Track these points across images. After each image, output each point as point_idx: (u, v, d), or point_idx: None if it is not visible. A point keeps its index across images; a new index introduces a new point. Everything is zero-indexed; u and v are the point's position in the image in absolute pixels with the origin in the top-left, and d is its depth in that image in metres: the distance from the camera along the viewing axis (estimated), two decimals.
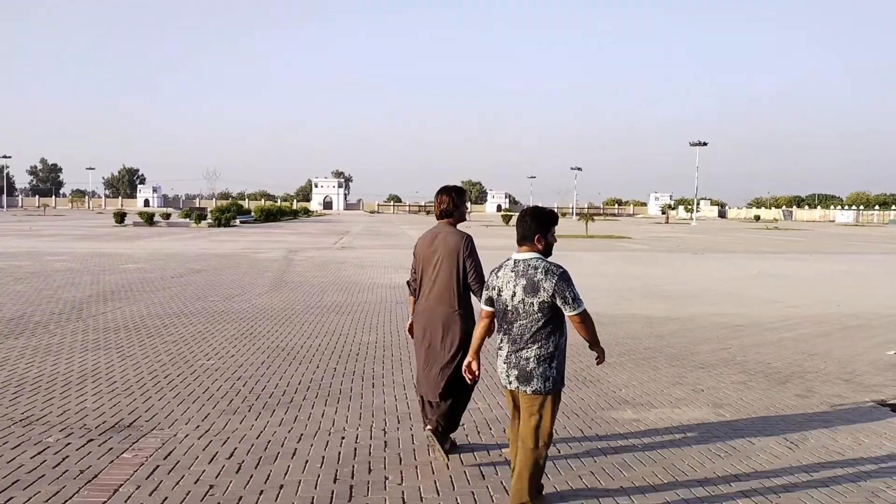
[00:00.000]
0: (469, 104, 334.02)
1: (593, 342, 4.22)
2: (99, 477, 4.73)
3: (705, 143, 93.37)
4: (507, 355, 4.15)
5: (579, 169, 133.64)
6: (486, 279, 4.41)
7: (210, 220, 56.90)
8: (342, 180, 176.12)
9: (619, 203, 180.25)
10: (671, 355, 9.45)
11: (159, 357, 8.46)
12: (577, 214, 56.91)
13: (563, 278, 4.04)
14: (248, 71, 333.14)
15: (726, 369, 8.67)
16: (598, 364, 4.36)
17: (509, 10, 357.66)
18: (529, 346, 4.07)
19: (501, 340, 4.21)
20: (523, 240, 4.19)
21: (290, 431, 5.78)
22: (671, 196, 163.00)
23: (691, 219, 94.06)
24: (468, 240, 5.19)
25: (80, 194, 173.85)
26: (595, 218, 63.76)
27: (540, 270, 4.05)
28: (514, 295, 4.08)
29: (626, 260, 26.92)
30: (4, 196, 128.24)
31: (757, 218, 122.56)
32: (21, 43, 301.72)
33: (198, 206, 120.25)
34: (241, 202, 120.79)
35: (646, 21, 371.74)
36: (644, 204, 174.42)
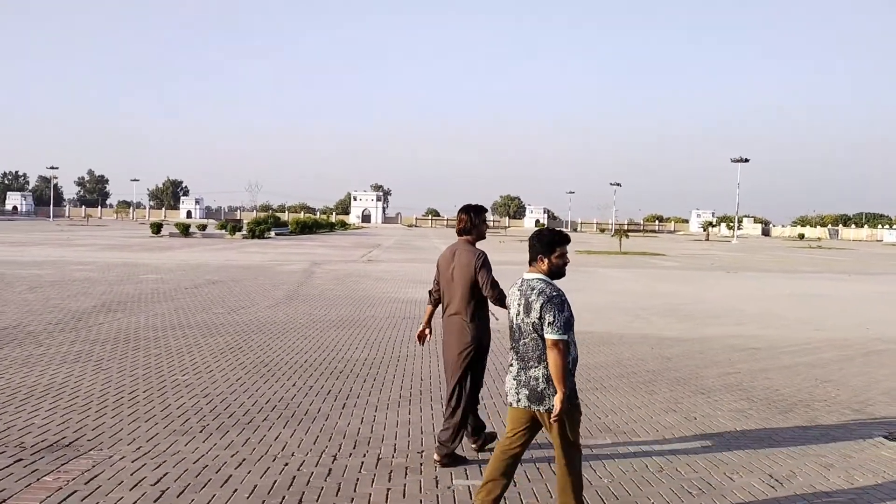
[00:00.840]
0: (509, 119, 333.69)
1: (558, 380, 3.98)
2: (7, 503, 4.45)
3: (747, 160, 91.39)
4: (516, 373, 4.17)
5: (618, 185, 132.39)
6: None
7: (244, 232, 57.33)
8: (380, 194, 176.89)
9: (660, 220, 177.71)
10: (673, 379, 8.95)
11: (135, 371, 8.24)
12: (613, 230, 55.80)
13: (552, 301, 4.03)
14: (291, 85, 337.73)
15: (728, 396, 8.14)
16: (552, 419, 4.04)
17: (550, 28, 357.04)
18: (537, 365, 4.07)
19: (511, 358, 4.26)
20: (531, 261, 4.25)
21: (233, 456, 5.45)
22: (714, 213, 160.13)
23: (732, 236, 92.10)
24: (480, 255, 5.46)
25: (125, 205, 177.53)
26: (629, 234, 62.71)
27: (535, 291, 4.10)
28: (517, 314, 4.17)
29: (655, 277, 26.25)
30: (52, 206, 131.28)
31: (801, 236, 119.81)
32: (68, 60, 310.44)
33: (238, 217, 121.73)
34: (280, 214, 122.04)
35: (685, 35, 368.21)
36: (686, 221, 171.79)
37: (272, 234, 63.55)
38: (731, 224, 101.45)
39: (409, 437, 6.12)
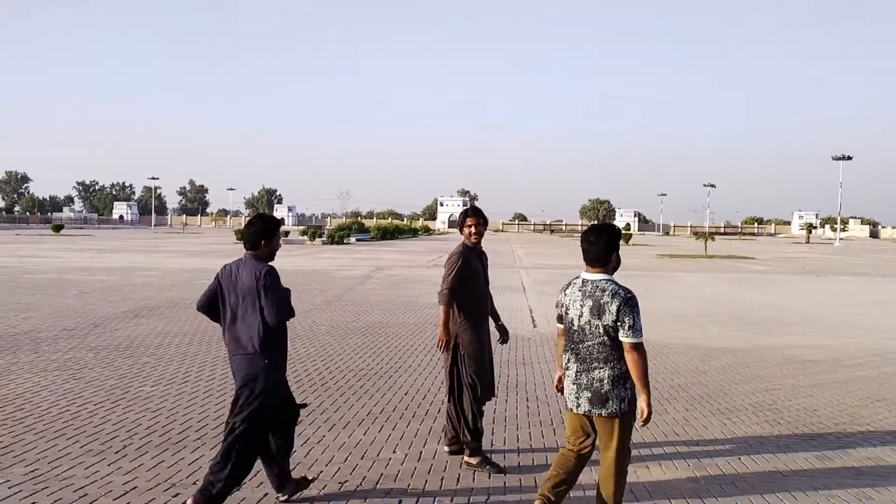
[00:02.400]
0: (598, 121, 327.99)
1: (642, 384, 3.89)
2: None
3: (849, 157, 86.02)
4: (576, 375, 4.01)
5: (712, 186, 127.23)
6: (558, 298, 4.24)
7: (324, 238, 57.95)
8: (466, 199, 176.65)
9: (759, 222, 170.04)
10: (699, 396, 7.91)
11: (106, 382, 7.85)
12: (698, 233, 53.45)
13: (629, 304, 3.89)
14: (382, 94, 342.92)
15: (748, 418, 7.05)
16: (642, 425, 3.97)
17: (644, 24, 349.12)
18: (601, 366, 3.93)
19: (569, 360, 4.07)
20: (594, 261, 4.02)
21: (125, 483, 4.87)
22: (817, 214, 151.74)
23: (835, 239, 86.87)
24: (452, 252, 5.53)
25: (223, 213, 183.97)
26: (726, 237, 59.92)
27: (608, 293, 3.93)
28: (580, 315, 3.99)
29: (735, 282, 24.60)
30: (153, 215, 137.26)
31: None
32: (174, 77, 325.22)
33: (320, 224, 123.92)
34: (367, 220, 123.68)
35: (781, 28, 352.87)
36: (787, 223, 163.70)
37: (352, 239, 64.12)
38: (835, 226, 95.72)
39: (346, 463, 5.40)
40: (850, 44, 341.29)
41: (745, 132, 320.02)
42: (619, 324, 3.86)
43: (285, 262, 32.16)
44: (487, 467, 5.25)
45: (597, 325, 3.91)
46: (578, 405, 3.99)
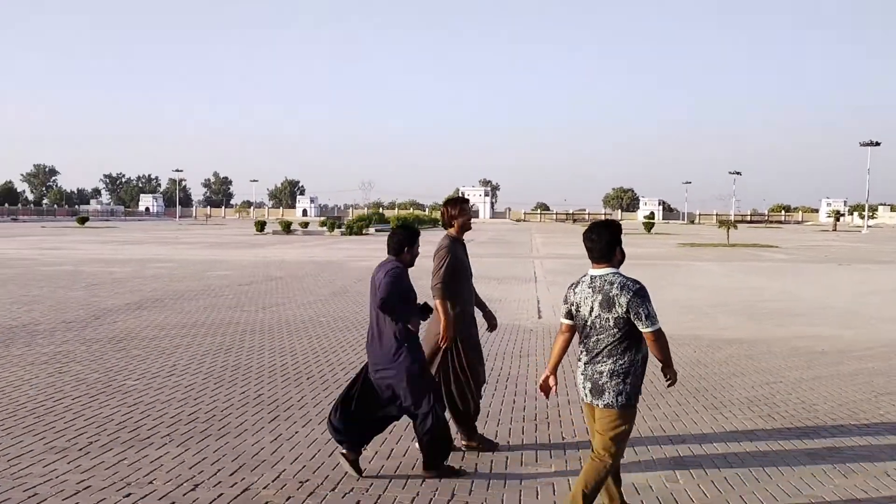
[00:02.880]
0: (619, 109, 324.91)
1: (666, 363, 4.10)
2: None
3: (878, 143, 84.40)
4: (584, 367, 4.14)
5: (738, 173, 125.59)
6: (566, 295, 4.28)
7: (343, 229, 58.03)
8: (488, 189, 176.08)
9: (787, 210, 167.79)
10: (692, 390, 7.67)
11: (90, 375, 7.78)
12: (718, 222, 52.68)
13: (639, 294, 3.97)
14: (403, 85, 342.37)
15: (746, 412, 6.81)
16: (668, 386, 4.23)
17: (672, 11, 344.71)
18: (604, 360, 4.04)
19: (581, 353, 4.20)
20: (599, 257, 4.09)
21: (80, 482, 4.75)
22: (845, 202, 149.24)
23: (863, 226, 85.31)
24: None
25: (246, 205, 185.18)
26: (738, 225, 59.12)
27: (616, 286, 4.00)
28: (591, 310, 4.05)
29: (752, 271, 24.16)
30: (177, 206, 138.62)
31: None
32: (200, 68, 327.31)
33: (339, 215, 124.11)
34: (389, 211, 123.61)
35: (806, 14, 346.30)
36: (815, 211, 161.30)
37: (371, 230, 64.14)
38: (863, 213, 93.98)
39: (312, 461, 5.26)
40: (878, 27, 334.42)
41: (772, 119, 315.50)
42: (633, 316, 3.95)
43: (300, 252, 32.25)
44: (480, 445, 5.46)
45: (607, 318, 4.00)
46: (586, 395, 4.13)
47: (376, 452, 5.44)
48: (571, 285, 4.27)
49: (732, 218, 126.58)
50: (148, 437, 5.67)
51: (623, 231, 4.25)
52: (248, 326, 11.22)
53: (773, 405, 7.08)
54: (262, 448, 5.46)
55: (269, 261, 26.51)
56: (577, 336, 4.26)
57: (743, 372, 8.60)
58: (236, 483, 4.77)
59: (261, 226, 58.83)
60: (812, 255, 34.71)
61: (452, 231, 5.51)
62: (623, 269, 4.17)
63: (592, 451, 4.16)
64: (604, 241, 4.07)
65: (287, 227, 58.85)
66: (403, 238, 4.85)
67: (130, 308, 13.05)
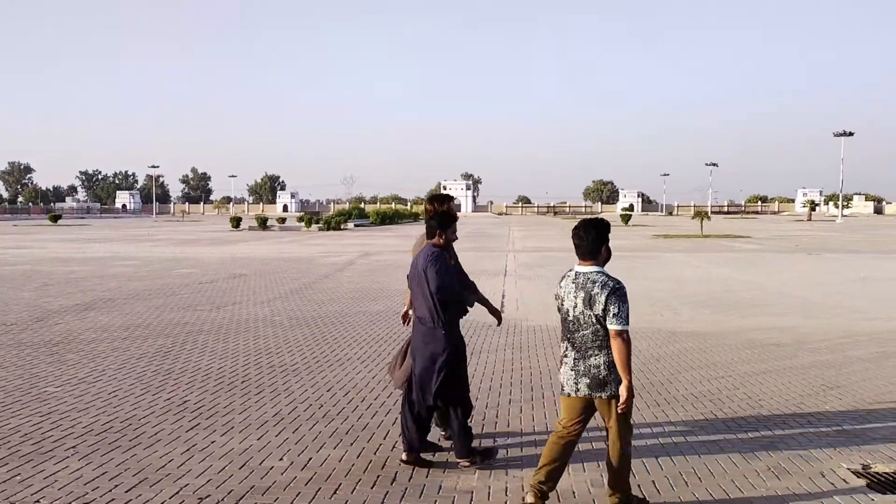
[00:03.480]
0: (598, 101, 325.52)
1: (624, 369, 4.08)
2: None
3: (851, 133, 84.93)
4: (574, 363, 4.22)
5: (715, 165, 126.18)
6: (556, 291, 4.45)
7: (321, 224, 57.50)
8: (469, 182, 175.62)
9: (763, 200, 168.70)
10: (640, 386, 7.39)
11: (13, 382, 7.42)
12: (693, 214, 52.80)
13: (615, 293, 4.09)
14: (386, 78, 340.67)
15: (689, 408, 6.66)
16: (619, 409, 4.15)
17: (644, 16, 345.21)
18: (597, 353, 4.14)
19: (566, 349, 4.28)
20: (585, 254, 4.22)
21: None
22: (821, 192, 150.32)
23: (838, 216, 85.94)
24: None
25: (225, 201, 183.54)
26: (711, 216, 59.27)
27: (598, 284, 4.13)
28: (575, 306, 4.19)
29: (721, 262, 24.11)
30: (154, 203, 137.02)
31: None
32: (169, 63, 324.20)
33: (318, 211, 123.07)
34: (371, 205, 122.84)
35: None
36: (791, 201, 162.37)
37: (350, 225, 63.66)
38: (838, 203, 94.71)
39: (221, 473, 5.01)
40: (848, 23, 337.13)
41: (748, 111, 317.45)
42: (605, 312, 4.06)
43: (271, 248, 31.87)
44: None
45: (589, 314, 4.13)
46: (577, 389, 4.21)
47: (292, 462, 5.20)
48: (559, 280, 4.44)
49: (709, 209, 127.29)
50: (51, 450, 5.36)
51: (610, 229, 4.34)
52: (195, 327, 10.92)
53: (717, 401, 6.92)
54: (170, 460, 5.17)
55: (237, 258, 26.13)
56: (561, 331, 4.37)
57: (694, 366, 8.44)
58: (130, 500, 4.49)
59: (236, 222, 58.11)
60: (783, 245, 34.80)
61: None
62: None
63: (609, 441, 4.28)
64: (590, 239, 4.21)
65: (263, 223, 58.23)
66: (437, 224, 5.10)
67: (78, 309, 12.69)
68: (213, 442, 5.59)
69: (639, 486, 4.80)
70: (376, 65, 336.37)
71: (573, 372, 4.21)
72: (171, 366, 8.26)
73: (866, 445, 5.60)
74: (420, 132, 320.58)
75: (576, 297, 4.18)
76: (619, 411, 4.14)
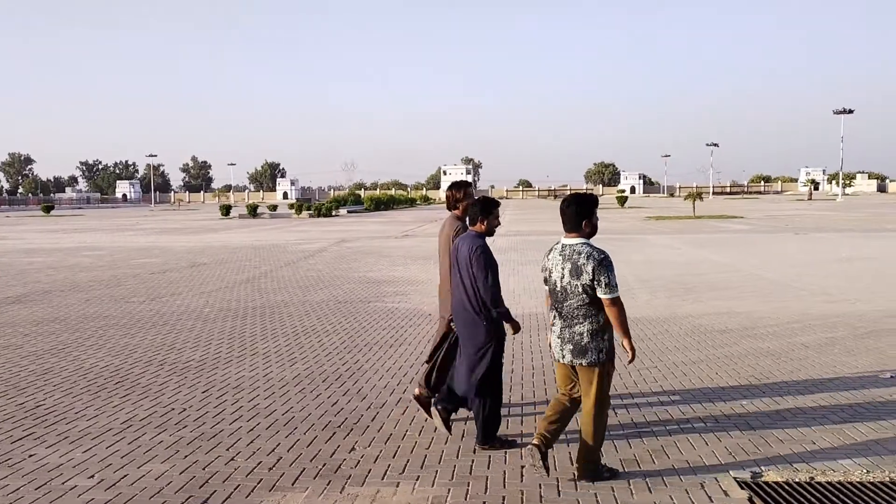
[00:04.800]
0: (599, 83, 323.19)
1: (622, 331, 4.30)
2: None
3: (851, 111, 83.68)
4: (560, 331, 4.39)
5: (715, 145, 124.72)
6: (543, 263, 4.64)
7: (311, 211, 56.91)
8: (470, 167, 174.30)
9: (766, 180, 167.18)
10: (539, 382, 6.87)
11: None
12: (685, 195, 51.96)
13: (603, 263, 4.24)
14: (383, 64, 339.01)
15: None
16: (628, 363, 4.55)
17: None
18: (581, 321, 4.30)
19: (554, 318, 4.45)
20: (571, 227, 4.38)
21: None
22: (824, 171, 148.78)
23: (839, 195, 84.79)
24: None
25: (226, 189, 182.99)
26: (703, 197, 58.41)
27: (583, 255, 4.28)
28: (562, 277, 4.34)
29: (702, 243, 23.42)
30: (152, 192, 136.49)
31: None
32: (170, 51, 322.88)
33: (332, 197, 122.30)
34: (370, 192, 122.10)
35: None
36: (794, 180, 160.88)
37: (343, 211, 63.07)
38: (840, 181, 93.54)
39: (60, 487, 4.43)
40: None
41: (752, 90, 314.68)
42: (595, 283, 4.21)
43: (249, 236, 31.35)
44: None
45: (576, 284, 4.27)
46: (563, 356, 4.39)
47: (101, 481, 4.60)
48: (546, 252, 4.59)
49: (711, 189, 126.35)
50: None
51: (598, 204, 4.44)
52: (112, 321, 10.35)
53: (630, 396, 6.32)
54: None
55: (209, 246, 25.59)
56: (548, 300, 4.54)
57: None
58: None
59: (226, 210, 57.52)
60: (773, 224, 34.08)
61: (458, 213, 5.63)
62: None
63: (582, 409, 4.42)
64: (571, 213, 4.38)
65: (253, 211, 57.65)
66: (478, 210, 5.09)
67: (6, 303, 12.15)
68: (30, 455, 4.97)
69: (500, 496, 4.20)
70: (377, 50, 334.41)
71: (559, 339, 4.40)
72: (55, 364, 7.68)
73: (769, 449, 4.99)
74: (421, 118, 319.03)
75: (563, 269, 4.33)
76: (627, 365, 4.64)
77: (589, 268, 4.20)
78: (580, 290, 4.24)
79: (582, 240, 4.35)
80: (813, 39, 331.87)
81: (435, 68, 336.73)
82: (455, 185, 5.71)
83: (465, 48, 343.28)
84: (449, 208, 5.73)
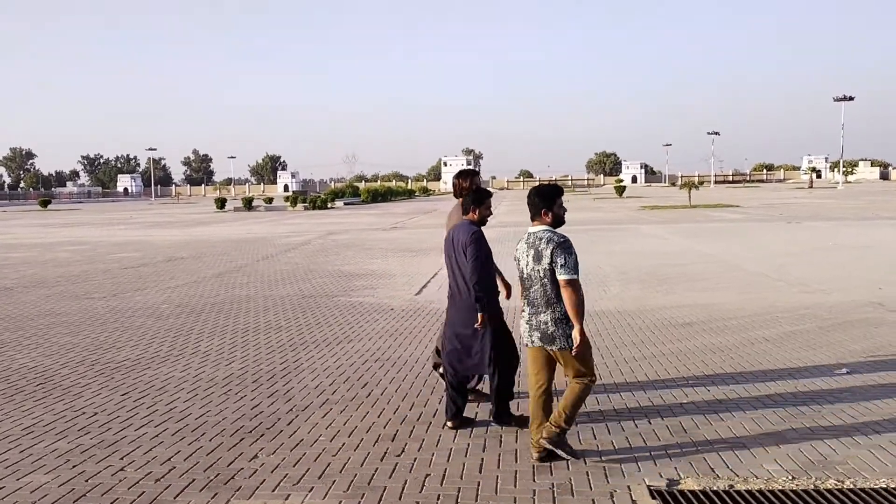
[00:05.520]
0: (601, 74, 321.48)
1: (574, 316, 4.33)
2: None
3: (851, 98, 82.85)
4: (528, 317, 4.54)
5: (717, 133, 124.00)
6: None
7: (306, 204, 56.61)
8: (471, 158, 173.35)
9: (769, 168, 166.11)
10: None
11: None
12: (681, 184, 51.57)
13: (561, 246, 4.37)
14: (386, 56, 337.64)
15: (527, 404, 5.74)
16: (574, 353, 4.40)
17: None
18: (545, 309, 4.41)
19: (524, 304, 4.60)
20: (534, 216, 4.58)
21: None
22: (826, 158, 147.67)
23: (840, 182, 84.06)
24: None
25: (227, 182, 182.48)
26: (700, 186, 57.90)
27: (544, 241, 4.42)
28: (527, 264, 4.49)
29: (690, 233, 23.09)
30: (153, 186, 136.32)
31: None
32: (168, 45, 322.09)
33: (332, 188, 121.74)
34: (370, 184, 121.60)
35: None
36: (797, 168, 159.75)
37: (339, 204, 62.77)
38: (844, 169, 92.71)
39: None
40: None
41: (755, 78, 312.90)
42: (553, 265, 4.33)
43: (239, 229, 31.15)
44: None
45: (538, 269, 4.41)
46: (532, 341, 4.53)
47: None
48: (518, 242, 4.74)
49: (713, 178, 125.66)
50: None
51: (561, 194, 4.58)
52: (63, 318, 10.09)
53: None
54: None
55: (193, 240, 25.35)
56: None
57: None
58: None
59: (221, 203, 57.32)
60: (767, 213, 33.69)
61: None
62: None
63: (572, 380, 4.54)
64: (531, 202, 4.59)
65: (248, 204, 57.47)
66: (471, 200, 5.22)
67: None
68: None
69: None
70: (377, 41, 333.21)
71: (528, 325, 4.53)
72: None
73: (695, 453, 4.69)
74: (422, 109, 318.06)
75: (527, 256, 4.49)
76: (574, 355, 4.38)
77: (548, 251, 4.34)
78: (541, 274, 4.39)
79: (545, 227, 4.51)
80: (816, 26, 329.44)
81: (437, 61, 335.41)
82: (462, 174, 5.86)
83: (465, 40, 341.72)
84: (456, 196, 5.80)
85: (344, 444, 4.97)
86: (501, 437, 5.05)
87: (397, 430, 5.21)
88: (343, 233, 27.55)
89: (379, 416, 5.52)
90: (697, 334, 8.33)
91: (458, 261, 5.15)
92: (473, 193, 5.31)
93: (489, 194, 5.33)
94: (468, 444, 4.91)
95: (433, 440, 5.02)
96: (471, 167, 6.20)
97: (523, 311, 4.61)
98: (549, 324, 4.39)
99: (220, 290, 12.72)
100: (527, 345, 4.61)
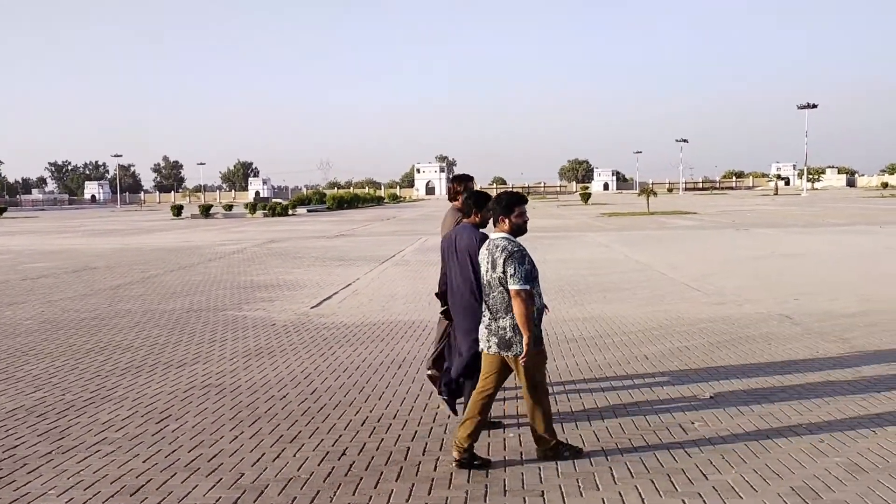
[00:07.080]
0: (573, 80, 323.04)
1: (521, 323, 4.35)
2: None
3: (814, 106, 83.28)
4: (487, 323, 4.61)
5: (685, 141, 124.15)
6: None
7: (266, 211, 55.59)
8: (444, 165, 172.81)
9: (739, 176, 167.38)
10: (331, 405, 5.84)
11: None
12: (639, 191, 51.35)
13: (513, 256, 4.43)
14: (359, 62, 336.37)
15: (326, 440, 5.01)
16: (521, 360, 4.40)
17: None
18: (503, 316, 4.48)
19: (485, 309, 4.68)
20: (494, 223, 4.70)
21: None
22: (794, 165, 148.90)
23: (804, 190, 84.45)
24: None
25: (198, 189, 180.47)
26: (657, 193, 57.62)
27: (499, 249, 4.49)
28: (487, 270, 4.59)
29: (633, 241, 22.55)
30: (118, 193, 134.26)
31: (884, 185, 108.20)
32: (140, 49, 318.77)
33: (299, 195, 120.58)
34: (342, 190, 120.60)
35: None
36: (766, 175, 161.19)
37: (302, 210, 61.83)
38: (812, 176, 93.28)
39: None
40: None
41: (724, 86, 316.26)
42: (504, 273, 4.37)
43: (179, 237, 30.38)
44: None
45: (494, 277, 4.45)
46: (489, 347, 4.55)
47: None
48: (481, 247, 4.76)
49: (682, 185, 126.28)
50: None
51: (522, 202, 4.63)
52: None
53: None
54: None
55: (124, 248, 24.43)
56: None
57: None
58: None
59: (177, 210, 56.04)
60: (720, 220, 33.39)
61: (458, 205, 5.69)
62: None
63: (524, 394, 4.60)
64: (492, 209, 4.69)
65: (206, 211, 56.29)
66: (472, 203, 5.24)
67: None
68: None
69: None
70: (351, 49, 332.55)
71: (486, 330, 4.56)
72: None
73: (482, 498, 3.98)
74: (395, 116, 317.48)
75: (487, 262, 4.53)
76: (522, 364, 4.40)
77: (501, 259, 4.38)
78: (497, 282, 4.42)
79: (503, 234, 4.54)
80: (785, 30, 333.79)
81: (412, 67, 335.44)
82: (456, 179, 5.93)
83: (442, 47, 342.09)
84: (450, 200, 5.91)
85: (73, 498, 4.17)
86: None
87: (150, 479, 4.43)
88: (285, 241, 26.71)
89: (138, 459, 4.73)
90: (580, 351, 7.71)
91: (463, 262, 5.11)
92: (475, 196, 5.31)
93: (489, 198, 5.12)
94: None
95: (184, 492, 4.24)
96: (465, 173, 5.90)
97: (483, 316, 4.65)
98: (508, 329, 4.42)
99: (105, 303, 11.86)
100: (483, 350, 4.63)
